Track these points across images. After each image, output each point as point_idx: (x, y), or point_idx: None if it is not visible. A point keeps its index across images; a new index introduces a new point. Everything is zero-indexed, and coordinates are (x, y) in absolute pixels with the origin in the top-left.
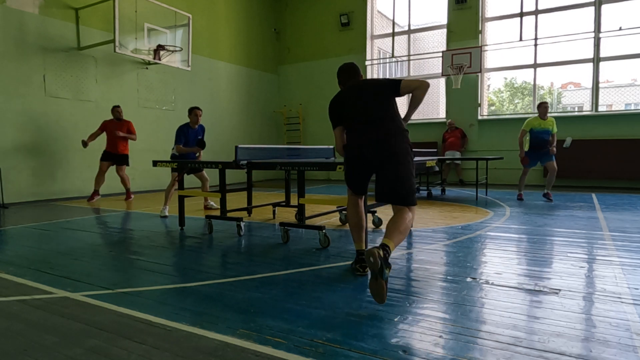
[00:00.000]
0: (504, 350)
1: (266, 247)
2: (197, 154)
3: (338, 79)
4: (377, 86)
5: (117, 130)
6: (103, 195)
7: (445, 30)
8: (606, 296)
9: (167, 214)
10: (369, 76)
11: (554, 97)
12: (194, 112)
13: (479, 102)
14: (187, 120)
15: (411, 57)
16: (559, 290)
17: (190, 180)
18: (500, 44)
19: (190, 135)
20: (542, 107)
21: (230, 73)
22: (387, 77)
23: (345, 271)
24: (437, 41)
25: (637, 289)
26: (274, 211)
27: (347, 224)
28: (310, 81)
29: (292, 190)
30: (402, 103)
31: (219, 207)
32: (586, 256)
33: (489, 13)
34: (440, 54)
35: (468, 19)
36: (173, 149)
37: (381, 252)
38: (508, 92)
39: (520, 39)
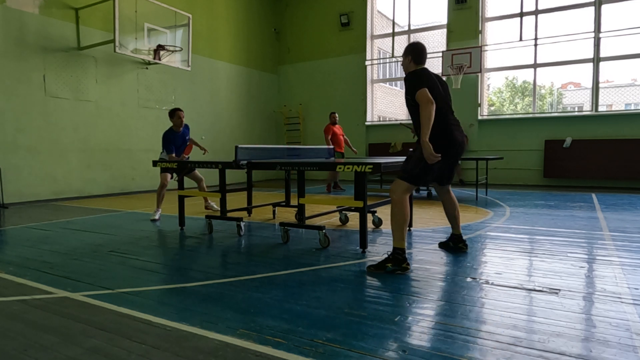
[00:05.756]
0: (504, 350)
1: (266, 247)
2: (188, 156)
3: (414, 55)
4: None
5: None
6: (103, 195)
7: (445, 30)
8: (606, 296)
9: (157, 217)
10: (368, 76)
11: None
12: (176, 114)
13: (479, 102)
14: (188, 121)
15: None
16: (559, 290)
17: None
18: (500, 44)
19: (177, 141)
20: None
21: (230, 73)
22: (387, 77)
23: (345, 271)
24: (437, 41)
25: (637, 289)
26: (274, 211)
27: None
28: (310, 81)
29: (292, 190)
30: (401, 104)
31: (219, 208)
32: (586, 256)
33: (489, 13)
34: (440, 54)
35: (468, 19)
36: (162, 152)
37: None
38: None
39: (520, 39)
